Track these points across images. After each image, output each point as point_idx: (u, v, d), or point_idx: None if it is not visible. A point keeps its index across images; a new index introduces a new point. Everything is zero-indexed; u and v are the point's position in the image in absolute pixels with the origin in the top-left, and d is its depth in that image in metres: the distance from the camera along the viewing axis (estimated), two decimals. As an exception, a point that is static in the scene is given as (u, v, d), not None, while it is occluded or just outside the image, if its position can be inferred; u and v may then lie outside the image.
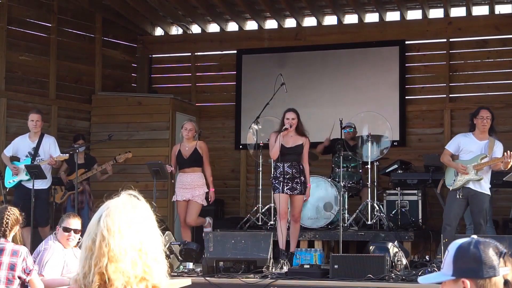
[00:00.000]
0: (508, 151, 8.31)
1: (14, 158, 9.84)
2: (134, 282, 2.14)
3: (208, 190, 9.68)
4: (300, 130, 9.01)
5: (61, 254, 6.04)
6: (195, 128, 9.82)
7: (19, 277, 5.44)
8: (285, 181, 8.86)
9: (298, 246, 9.22)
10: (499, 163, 8.38)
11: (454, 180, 8.51)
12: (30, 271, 5.47)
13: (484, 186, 8.47)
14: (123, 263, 2.13)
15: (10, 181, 9.71)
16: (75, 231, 6.20)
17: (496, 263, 2.02)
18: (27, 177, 9.52)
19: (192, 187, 9.56)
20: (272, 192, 9.24)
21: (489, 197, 8.62)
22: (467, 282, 2.04)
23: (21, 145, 9.85)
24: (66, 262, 6.03)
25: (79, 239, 6.18)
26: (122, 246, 2.14)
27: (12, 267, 5.38)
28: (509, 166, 8.31)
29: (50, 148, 9.78)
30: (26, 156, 9.75)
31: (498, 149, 8.52)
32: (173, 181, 9.84)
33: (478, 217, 8.42)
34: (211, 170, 9.77)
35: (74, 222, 6.21)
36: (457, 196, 8.46)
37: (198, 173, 9.65)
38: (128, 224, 2.17)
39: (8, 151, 9.89)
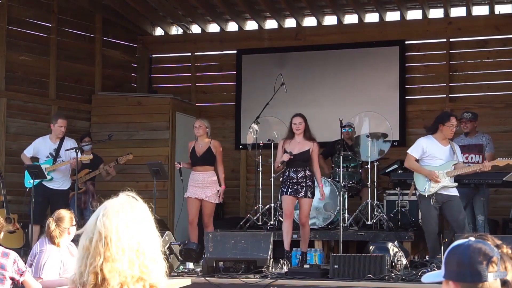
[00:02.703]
0: (486, 162, 8.56)
1: (34, 159, 9.94)
2: (131, 282, 2.15)
3: (219, 188, 9.70)
4: (307, 135, 9.03)
5: (58, 255, 6.01)
6: (205, 124, 9.78)
7: (12, 278, 5.46)
8: (290, 185, 8.91)
9: (298, 246, 9.22)
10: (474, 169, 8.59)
11: (427, 187, 8.45)
12: (23, 272, 5.50)
13: (455, 189, 8.52)
14: (119, 263, 2.14)
15: (30, 181, 9.76)
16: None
17: (483, 269, 2.00)
18: (49, 177, 9.67)
19: (204, 186, 9.57)
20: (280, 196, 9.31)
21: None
22: (452, 285, 2.04)
23: (42, 146, 9.95)
24: (63, 262, 6.01)
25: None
26: (120, 246, 2.15)
27: (2, 267, 5.42)
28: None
29: (71, 151, 9.85)
30: (47, 157, 9.85)
31: (458, 152, 8.64)
32: (181, 178, 9.84)
33: (461, 218, 8.41)
34: (223, 168, 9.76)
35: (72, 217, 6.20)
36: (432, 203, 8.42)
37: (210, 171, 9.65)
38: (126, 224, 2.18)
39: (28, 152, 9.97)
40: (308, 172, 8.95)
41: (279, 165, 9.07)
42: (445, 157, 8.50)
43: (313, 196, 9.00)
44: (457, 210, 8.43)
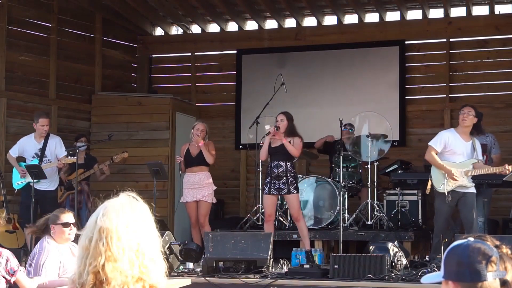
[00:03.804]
0: (507, 165, 8.14)
1: (20, 159, 9.90)
2: (131, 282, 2.15)
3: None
4: (290, 132, 9.07)
5: (57, 255, 5.98)
6: (206, 129, 9.88)
7: (4, 277, 5.42)
8: (272, 181, 8.99)
9: (298, 246, 9.21)
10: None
11: (444, 183, 8.30)
12: (14, 271, 5.42)
13: (472, 186, 8.41)
14: (120, 263, 2.14)
15: (18, 182, 9.73)
16: (74, 224, 6.16)
17: (482, 268, 2.00)
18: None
19: (201, 187, 9.65)
20: None
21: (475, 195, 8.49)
22: (452, 285, 2.04)
23: (27, 146, 9.89)
24: (63, 263, 5.99)
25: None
26: (120, 246, 2.15)
27: None
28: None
29: (56, 148, 9.83)
30: (33, 157, 9.79)
31: (479, 149, 8.48)
32: (180, 172, 9.87)
33: (470, 215, 8.33)
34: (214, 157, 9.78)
35: (69, 216, 6.16)
36: (447, 201, 8.26)
37: (205, 172, 9.74)
38: (126, 224, 2.18)
39: (14, 152, 9.92)
40: (289, 167, 9.01)
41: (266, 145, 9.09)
42: (466, 154, 8.34)
43: (298, 191, 9.07)
44: (469, 207, 8.30)
